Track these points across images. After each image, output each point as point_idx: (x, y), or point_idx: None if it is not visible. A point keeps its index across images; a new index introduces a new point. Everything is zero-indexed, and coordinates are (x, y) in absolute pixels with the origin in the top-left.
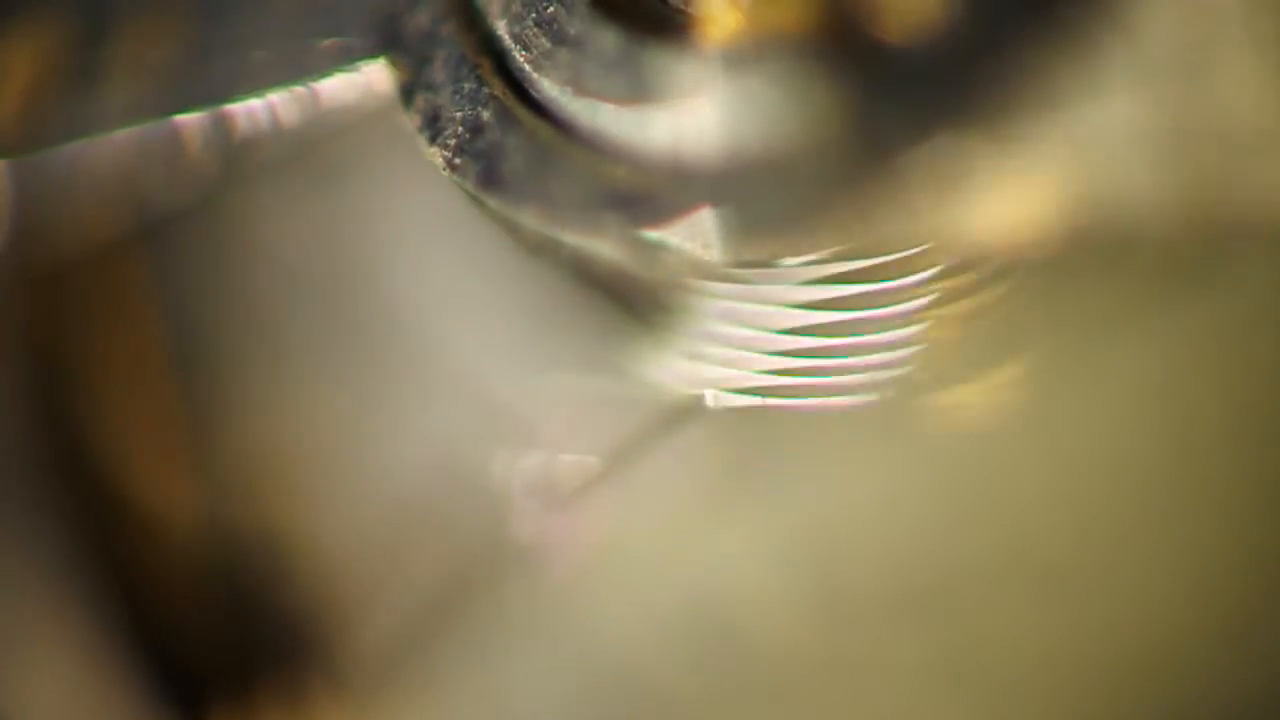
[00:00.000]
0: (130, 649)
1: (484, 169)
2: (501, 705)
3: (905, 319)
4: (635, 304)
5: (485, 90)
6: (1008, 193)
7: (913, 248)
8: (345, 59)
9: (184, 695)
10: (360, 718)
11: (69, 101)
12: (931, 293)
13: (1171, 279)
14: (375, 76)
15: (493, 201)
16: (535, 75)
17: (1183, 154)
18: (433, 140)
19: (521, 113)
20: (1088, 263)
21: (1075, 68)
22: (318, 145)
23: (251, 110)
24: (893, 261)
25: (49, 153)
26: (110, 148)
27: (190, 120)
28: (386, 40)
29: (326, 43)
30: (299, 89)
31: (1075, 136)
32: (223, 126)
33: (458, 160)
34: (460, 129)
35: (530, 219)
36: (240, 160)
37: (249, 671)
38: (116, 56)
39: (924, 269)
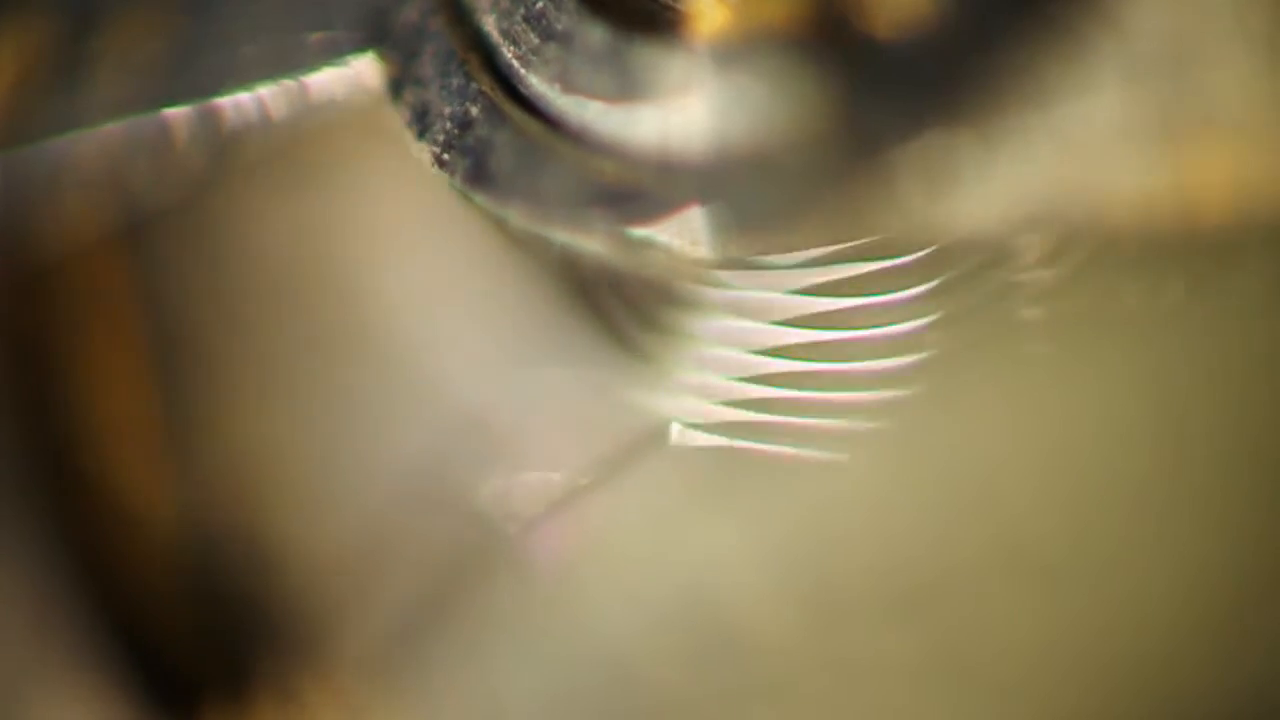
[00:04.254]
0: (118, 651)
1: (472, 164)
2: (493, 703)
3: (896, 315)
4: (624, 305)
5: (473, 86)
6: (998, 189)
7: (903, 244)
8: (333, 53)
9: (172, 697)
10: (351, 717)
11: (55, 96)
12: (922, 290)
13: (1162, 275)
14: (363, 71)
15: (480, 198)
16: (523, 71)
17: (1172, 149)
18: (421, 135)
19: (510, 108)
20: (1079, 259)
21: (1065, 64)
22: (305, 140)
23: (239, 105)
24: (883, 258)
25: (36, 147)
26: (97, 143)
27: (178, 115)
28: (375, 35)
29: (315, 37)
30: (287, 83)
31: (1065, 132)
32: (210, 121)
33: (446, 156)
34: (449, 124)
35: (518, 215)
36: (227, 155)
37: (237, 672)
38: (104, 51)
39: (914, 266)
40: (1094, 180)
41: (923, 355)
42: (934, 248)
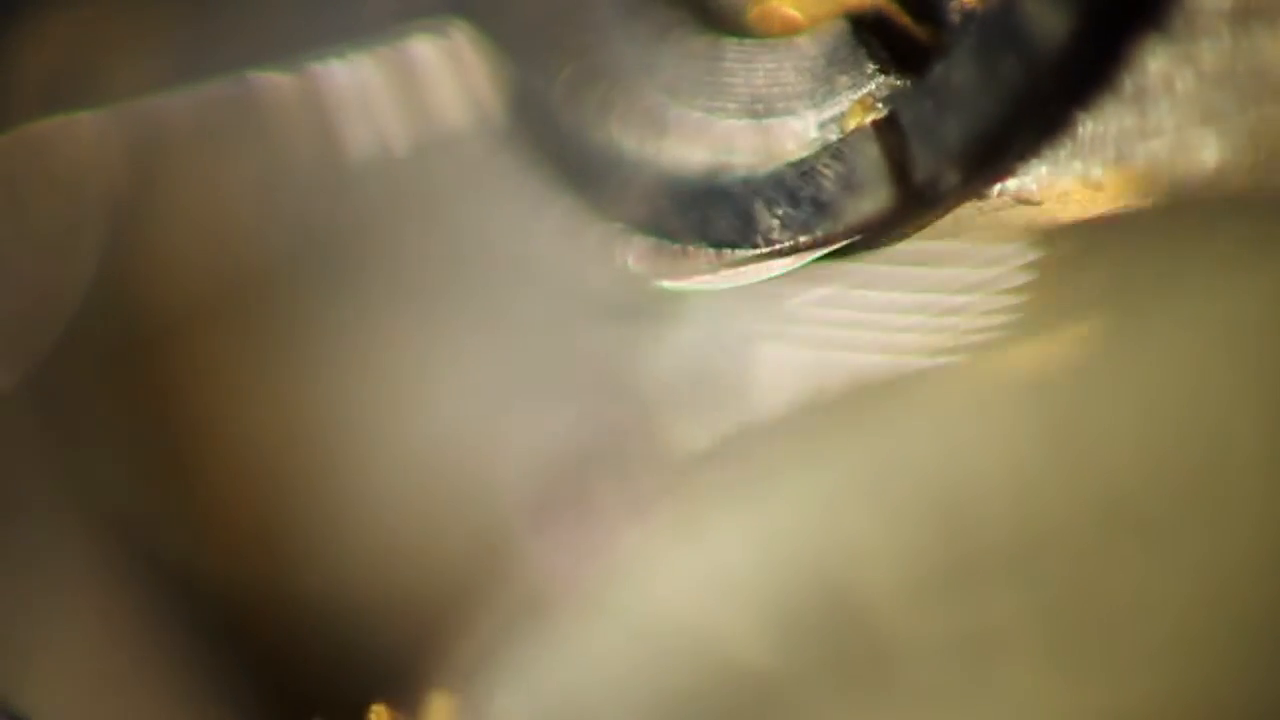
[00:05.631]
0: (228, 673)
1: (561, 148)
2: (584, 691)
3: (993, 284)
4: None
5: (568, 67)
6: (1078, 157)
7: (996, 213)
8: (426, 20)
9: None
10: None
11: (141, 56)
12: (1018, 257)
13: (1242, 235)
14: (458, 40)
15: (568, 185)
16: (621, 62)
17: (1245, 112)
18: (513, 113)
19: (601, 97)
20: (1161, 223)
21: (1134, 37)
22: (396, 108)
23: (331, 71)
24: (979, 228)
25: (145, 101)
26: (188, 103)
27: (268, 78)
28: (470, 5)
29: (407, 3)
30: (379, 49)
31: (1139, 101)
32: (298, 85)
33: (536, 133)
34: (542, 103)
35: (606, 208)
36: (319, 119)
37: (341, 689)
38: (184, 12)
39: (1010, 232)
40: (1170, 147)
41: (1021, 322)
42: (1028, 215)
